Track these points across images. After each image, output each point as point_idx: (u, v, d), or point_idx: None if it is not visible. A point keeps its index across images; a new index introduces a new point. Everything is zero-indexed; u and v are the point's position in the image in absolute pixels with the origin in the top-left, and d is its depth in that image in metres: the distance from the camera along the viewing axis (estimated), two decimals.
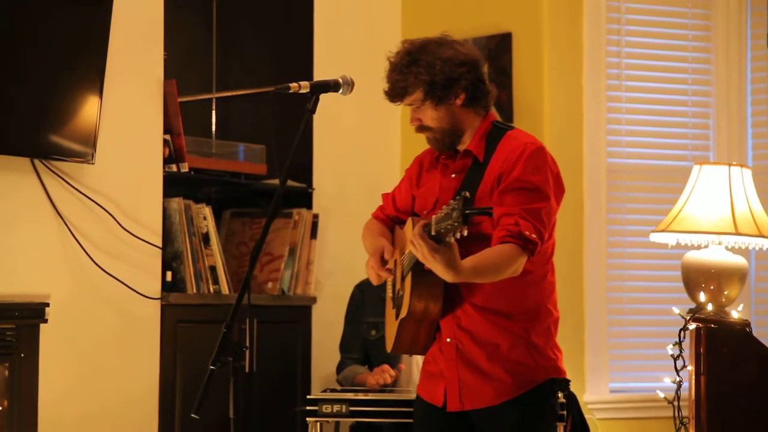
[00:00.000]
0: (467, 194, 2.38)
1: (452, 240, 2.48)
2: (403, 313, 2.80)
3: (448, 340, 2.84)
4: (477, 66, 2.86)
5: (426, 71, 2.79)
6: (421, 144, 3.03)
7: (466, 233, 2.39)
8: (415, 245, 2.55)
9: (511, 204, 2.70)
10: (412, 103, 2.84)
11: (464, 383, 2.82)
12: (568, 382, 2.90)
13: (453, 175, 2.87)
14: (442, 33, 2.89)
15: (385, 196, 3.13)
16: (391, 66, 2.85)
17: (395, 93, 2.85)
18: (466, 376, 2.82)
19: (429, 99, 2.81)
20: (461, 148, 2.88)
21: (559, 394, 2.96)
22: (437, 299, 2.76)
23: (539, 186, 2.75)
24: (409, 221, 2.87)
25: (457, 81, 2.81)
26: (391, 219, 3.09)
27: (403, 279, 2.85)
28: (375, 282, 2.96)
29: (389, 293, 3.03)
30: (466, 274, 2.60)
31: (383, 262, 2.89)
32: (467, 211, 2.36)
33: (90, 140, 3.68)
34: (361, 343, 4.17)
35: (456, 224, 2.37)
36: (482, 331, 2.80)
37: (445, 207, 2.43)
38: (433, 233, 2.49)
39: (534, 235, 2.68)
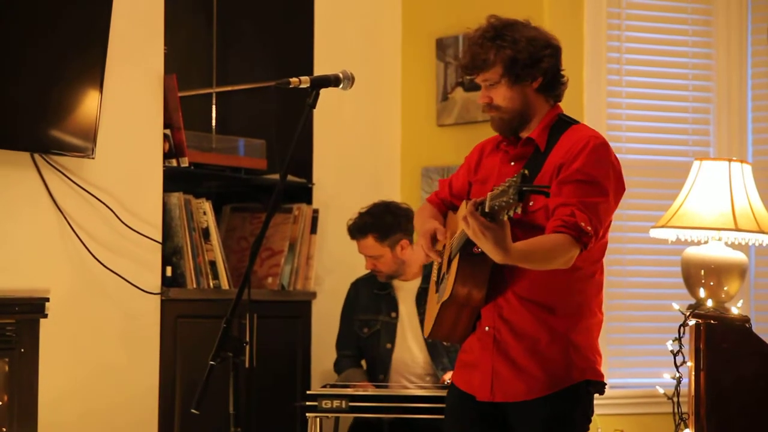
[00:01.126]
0: (526, 171, 2.35)
1: (505, 218, 2.43)
2: (445, 296, 2.74)
3: (487, 328, 2.78)
4: (559, 52, 2.83)
5: (510, 46, 2.75)
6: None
7: (520, 211, 2.35)
8: (467, 222, 2.48)
9: (569, 195, 2.64)
10: (487, 79, 2.78)
11: (497, 374, 2.77)
12: (604, 385, 2.84)
13: (512, 163, 2.82)
14: (525, 19, 2.87)
15: (441, 181, 3.10)
16: (473, 38, 2.80)
17: (475, 65, 2.78)
18: (500, 367, 2.76)
19: (507, 76, 2.76)
20: (524, 135, 2.83)
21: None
22: (482, 284, 2.71)
23: (599, 180, 2.69)
24: (463, 204, 2.81)
25: (539, 62, 2.77)
26: (445, 204, 3.04)
27: (450, 262, 2.80)
28: (424, 261, 2.94)
29: (434, 277, 2.99)
30: (515, 257, 2.53)
31: (434, 242, 2.84)
32: (524, 188, 2.32)
33: (90, 135, 3.68)
34: (355, 340, 4.18)
35: (511, 200, 2.33)
36: (523, 324, 2.74)
37: (502, 184, 2.39)
38: (486, 210, 2.44)
39: (589, 228, 2.62)
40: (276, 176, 4.36)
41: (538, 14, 4.63)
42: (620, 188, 2.79)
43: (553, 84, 2.83)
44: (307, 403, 3.68)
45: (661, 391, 3.91)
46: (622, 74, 4.69)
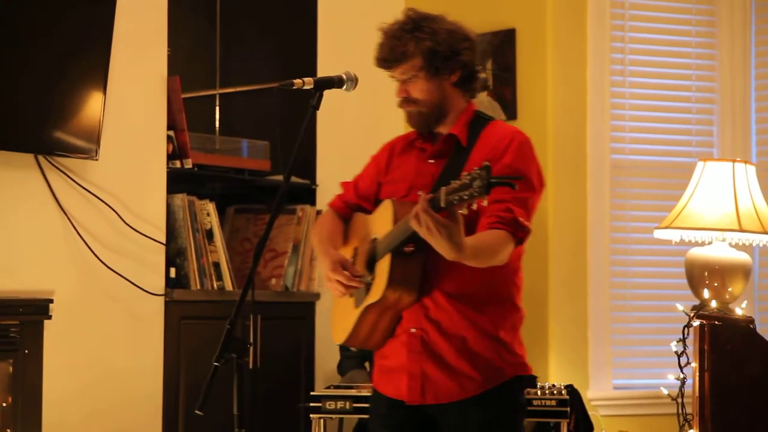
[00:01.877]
0: (488, 163, 2.30)
1: (460, 214, 2.40)
2: (372, 299, 2.67)
3: (413, 330, 2.72)
4: (476, 47, 2.82)
5: (430, 38, 2.72)
6: None
7: (485, 204, 2.33)
8: (419, 218, 2.42)
9: (501, 191, 2.55)
10: (405, 72, 2.75)
11: (428, 377, 2.72)
12: (534, 378, 2.83)
13: (431, 160, 2.79)
14: (441, 14, 2.83)
15: (345, 183, 3.04)
16: (390, 31, 2.76)
17: (393, 58, 2.74)
18: (430, 369, 2.72)
19: (426, 69, 2.73)
20: (441, 131, 2.80)
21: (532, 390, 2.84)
22: (414, 285, 2.67)
23: (528, 175, 2.68)
24: (386, 204, 2.75)
25: (458, 55, 2.76)
26: (350, 207, 2.98)
27: (372, 264, 2.73)
28: (340, 297, 2.82)
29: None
30: (467, 253, 2.49)
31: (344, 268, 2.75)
32: (493, 180, 2.28)
33: (94, 136, 3.68)
34: None
35: (476, 194, 2.29)
36: (451, 323, 2.70)
37: (463, 176, 2.34)
38: (442, 205, 2.39)
39: (527, 223, 2.62)
40: (279, 177, 4.36)
41: (541, 16, 4.63)
42: (542, 185, 2.78)
43: (470, 79, 2.81)
44: (311, 404, 3.68)
45: (665, 392, 3.90)
46: (626, 75, 4.69)
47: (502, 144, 2.71)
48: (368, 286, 2.73)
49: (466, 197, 2.31)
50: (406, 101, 2.78)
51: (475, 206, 2.35)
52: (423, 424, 2.77)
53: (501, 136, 2.74)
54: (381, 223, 2.75)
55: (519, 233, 2.62)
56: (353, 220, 2.94)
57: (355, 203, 2.96)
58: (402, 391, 2.76)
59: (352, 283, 2.73)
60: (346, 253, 2.85)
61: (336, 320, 2.93)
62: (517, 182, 2.57)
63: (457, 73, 2.77)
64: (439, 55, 2.73)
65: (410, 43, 2.73)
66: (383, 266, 2.67)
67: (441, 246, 2.46)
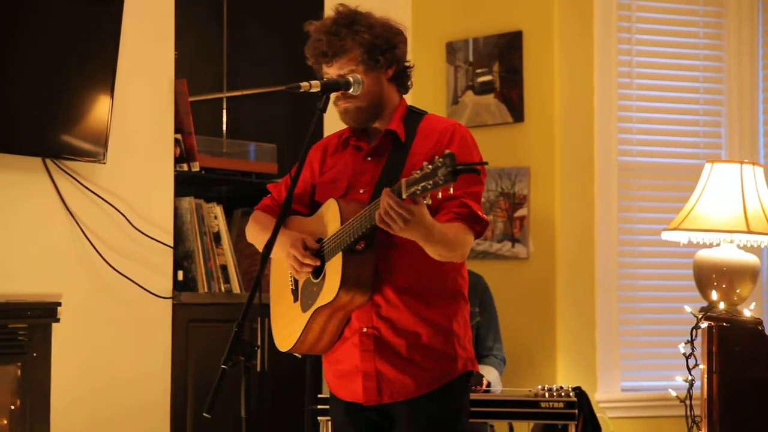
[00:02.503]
0: (452, 151, 2.27)
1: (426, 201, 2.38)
2: (324, 300, 2.63)
3: (365, 329, 2.69)
4: (406, 41, 2.82)
5: (367, 31, 2.71)
6: None
7: (451, 191, 2.30)
8: (389, 210, 2.38)
9: (453, 187, 2.54)
10: (343, 67, 2.73)
11: (383, 375, 2.69)
12: (481, 377, 2.82)
13: (368, 158, 2.77)
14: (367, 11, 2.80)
15: (273, 186, 3.01)
16: (323, 27, 2.74)
17: (333, 52, 2.71)
18: (384, 368, 2.69)
19: (364, 63, 2.71)
20: (377, 127, 2.78)
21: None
22: (367, 285, 2.63)
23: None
24: (329, 204, 2.69)
25: (394, 49, 2.75)
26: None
27: (320, 266, 2.68)
28: (299, 275, 2.76)
29: (287, 286, 2.85)
30: (436, 234, 2.49)
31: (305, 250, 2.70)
32: (459, 167, 2.24)
33: (101, 140, 3.69)
34: None
35: (441, 182, 2.25)
36: (403, 320, 2.68)
37: (424, 166, 2.31)
38: (404, 196, 2.36)
39: (485, 216, 2.63)
40: None
41: (547, 18, 4.63)
42: (485, 175, 2.76)
43: (403, 74, 2.81)
44: (319, 407, 3.68)
45: (674, 394, 3.90)
46: (633, 77, 4.68)
47: (445, 137, 2.70)
48: (317, 288, 2.68)
49: (430, 186, 2.28)
50: (344, 97, 2.74)
51: (440, 195, 2.31)
52: (381, 422, 2.75)
53: (442, 129, 2.73)
54: (325, 222, 2.71)
55: (477, 227, 2.62)
56: (289, 221, 2.86)
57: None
58: (358, 393, 2.73)
59: (306, 261, 2.67)
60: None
61: (278, 327, 2.88)
62: (468, 176, 2.53)
63: (393, 67, 2.77)
64: (378, 48, 2.72)
65: (348, 38, 2.71)
66: (335, 266, 2.62)
67: (412, 231, 2.45)
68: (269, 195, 3.00)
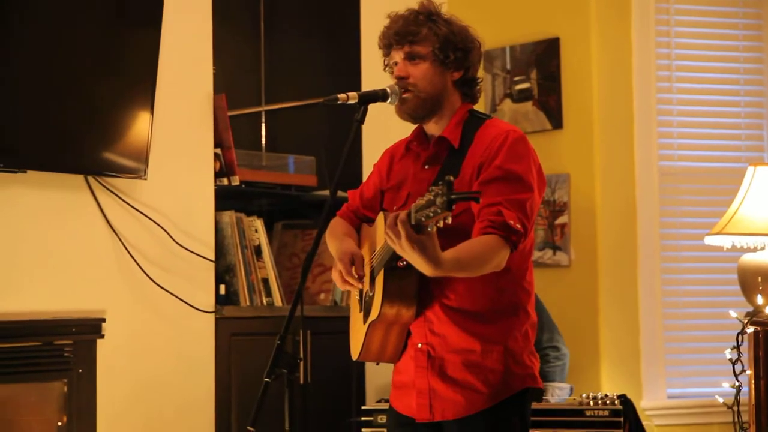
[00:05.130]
0: (450, 178, 2.17)
1: (433, 230, 2.30)
2: (373, 316, 2.61)
3: (420, 345, 2.65)
4: (481, 55, 2.78)
5: (445, 26, 2.67)
6: None
7: (450, 221, 2.21)
8: (391, 236, 2.33)
9: (494, 194, 2.50)
10: (413, 52, 2.66)
11: (435, 392, 2.64)
12: (542, 392, 2.74)
13: (426, 166, 2.71)
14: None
15: (351, 192, 2.99)
16: (404, 14, 2.70)
17: (406, 33, 2.65)
18: (437, 385, 2.64)
19: (434, 55, 2.66)
20: (433, 133, 2.73)
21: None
22: (411, 300, 2.59)
23: (522, 176, 2.57)
24: (380, 216, 2.68)
25: (467, 53, 2.70)
26: (357, 216, 2.92)
27: (373, 279, 2.68)
28: (342, 288, 2.77)
29: (355, 296, 2.83)
30: (447, 267, 2.39)
31: (352, 265, 2.69)
32: (453, 196, 2.15)
33: (142, 156, 3.72)
34: None
35: (439, 211, 2.18)
36: (455, 337, 2.61)
37: (426, 194, 2.24)
38: (412, 223, 2.29)
39: (519, 226, 2.49)
40: (326, 192, 4.37)
41: (585, 23, 4.61)
42: (543, 183, 2.67)
43: (471, 83, 2.74)
44: (363, 419, 3.69)
45: (721, 400, 3.85)
46: (673, 81, 4.65)
47: (495, 144, 2.61)
48: (371, 302, 2.67)
49: (431, 215, 2.22)
50: (403, 81, 2.68)
51: (441, 224, 2.23)
52: None
53: (494, 135, 2.63)
54: (378, 236, 2.69)
55: (512, 237, 2.50)
56: (361, 230, 2.89)
57: (362, 212, 2.91)
58: (412, 408, 2.70)
59: (349, 279, 2.67)
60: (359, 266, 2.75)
61: (352, 335, 2.88)
62: (512, 183, 2.51)
63: (461, 71, 2.71)
64: (452, 45, 2.67)
65: (425, 27, 2.67)
66: (379, 282, 2.60)
67: (417, 262, 2.37)
68: (347, 202, 2.99)
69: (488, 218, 2.50)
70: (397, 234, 2.31)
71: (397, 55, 2.71)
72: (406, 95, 2.69)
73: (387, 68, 2.78)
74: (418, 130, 2.78)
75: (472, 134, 2.68)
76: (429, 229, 2.29)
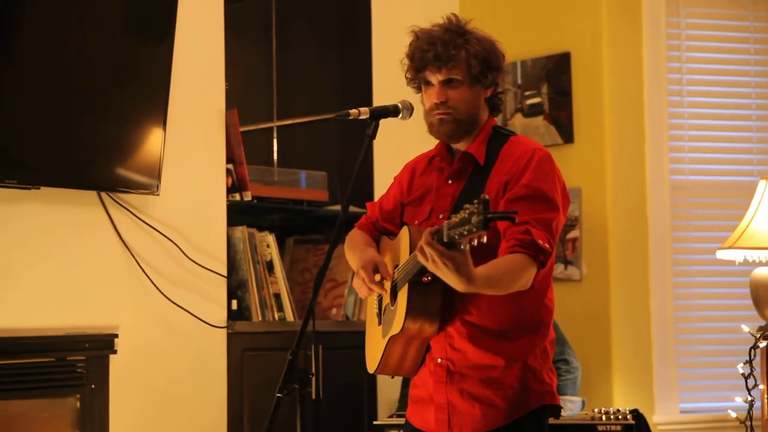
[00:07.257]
0: (487, 197, 2.16)
1: (467, 248, 2.30)
2: (395, 330, 2.60)
3: (439, 360, 2.65)
4: (503, 69, 2.79)
5: (479, 46, 2.67)
6: None
7: (485, 240, 2.20)
8: (424, 253, 2.32)
9: (521, 213, 2.47)
10: (450, 75, 2.66)
11: (454, 408, 2.63)
12: (560, 408, 2.75)
13: (449, 181, 2.71)
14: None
15: (370, 204, 2.99)
16: (437, 32, 2.67)
17: (447, 56, 2.63)
18: (456, 401, 2.63)
19: (470, 76, 2.66)
20: (458, 147, 2.72)
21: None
22: (434, 315, 2.58)
23: (549, 195, 2.58)
24: (405, 230, 2.68)
25: (499, 71, 2.72)
26: (377, 228, 2.92)
27: (395, 293, 2.67)
28: (364, 296, 2.77)
29: (374, 308, 2.83)
30: (479, 284, 2.38)
31: (375, 273, 2.68)
32: (489, 215, 2.15)
33: (155, 172, 3.73)
34: None
35: (475, 229, 2.17)
36: (476, 353, 2.61)
37: (461, 212, 2.23)
38: (445, 240, 2.28)
39: (547, 245, 2.50)
40: (338, 207, 4.38)
41: (596, 37, 4.62)
42: (567, 201, 2.68)
43: (497, 98, 2.76)
44: None
45: (734, 415, 3.85)
46: (684, 95, 4.66)
47: (521, 162, 2.61)
48: (392, 315, 2.67)
49: (465, 233, 2.21)
50: (444, 106, 2.68)
51: (475, 242, 2.22)
52: None
53: (520, 153, 2.64)
54: (401, 249, 2.69)
55: (540, 256, 2.51)
56: (381, 243, 2.88)
57: (381, 225, 2.91)
58: (430, 423, 2.69)
59: (372, 287, 2.66)
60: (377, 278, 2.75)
61: (368, 349, 2.86)
62: (539, 202, 2.52)
63: (491, 88, 2.73)
64: (486, 65, 2.68)
65: (462, 50, 2.66)
66: (403, 296, 2.60)
67: (450, 278, 2.36)
68: (366, 214, 2.99)
69: (516, 237, 2.51)
70: (430, 252, 2.31)
71: (434, 78, 2.69)
72: (444, 116, 2.68)
73: (412, 83, 2.77)
74: (442, 144, 2.78)
75: (497, 151, 2.68)
76: (462, 247, 2.29)
